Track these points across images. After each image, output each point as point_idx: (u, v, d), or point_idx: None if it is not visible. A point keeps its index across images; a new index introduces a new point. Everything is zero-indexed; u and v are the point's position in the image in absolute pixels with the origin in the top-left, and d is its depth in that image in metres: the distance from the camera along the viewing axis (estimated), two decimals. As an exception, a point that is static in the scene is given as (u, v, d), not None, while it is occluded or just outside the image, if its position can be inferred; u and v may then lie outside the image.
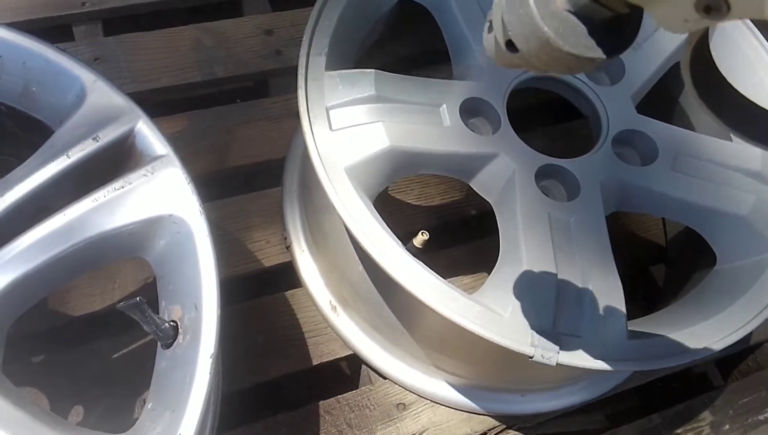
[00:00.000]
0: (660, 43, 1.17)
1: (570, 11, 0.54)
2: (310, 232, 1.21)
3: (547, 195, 1.05)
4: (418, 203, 1.38)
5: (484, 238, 1.32)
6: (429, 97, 1.06)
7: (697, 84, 0.54)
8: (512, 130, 1.08)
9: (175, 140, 1.31)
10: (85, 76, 0.92)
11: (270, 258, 1.26)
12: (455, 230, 1.38)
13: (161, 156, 0.89)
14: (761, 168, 1.08)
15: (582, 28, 0.55)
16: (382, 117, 1.01)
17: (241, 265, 1.25)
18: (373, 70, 1.04)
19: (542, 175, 1.07)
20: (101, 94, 0.92)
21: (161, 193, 0.86)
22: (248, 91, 1.48)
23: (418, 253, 0.98)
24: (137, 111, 0.91)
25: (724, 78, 0.55)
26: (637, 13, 0.54)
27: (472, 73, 1.12)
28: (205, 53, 1.46)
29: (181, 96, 1.45)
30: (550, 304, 0.93)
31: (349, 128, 0.99)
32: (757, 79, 1.18)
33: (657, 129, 1.11)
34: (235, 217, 1.29)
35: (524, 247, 0.97)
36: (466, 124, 1.09)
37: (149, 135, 0.90)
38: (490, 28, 0.62)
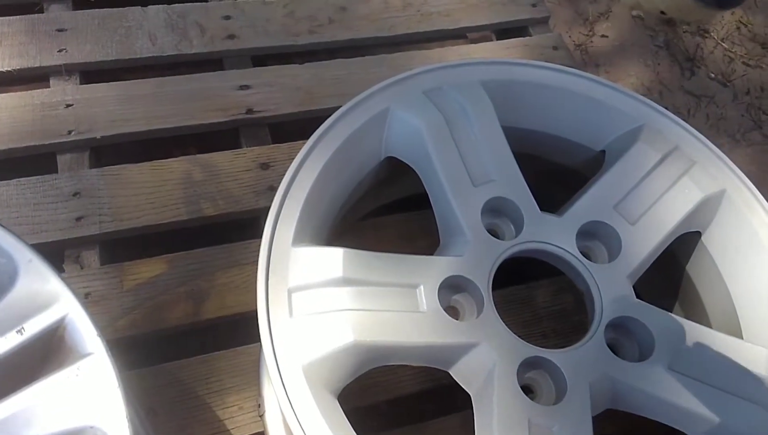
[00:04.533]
0: (659, 219, 1.08)
1: None
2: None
3: (531, 392, 0.96)
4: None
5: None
6: (404, 277, 0.98)
7: None
8: (496, 315, 0.99)
9: (151, 286, 1.29)
10: (20, 254, 0.86)
11: (241, 428, 1.17)
12: (449, 396, 1.28)
13: (89, 354, 0.81)
14: (766, 372, 0.97)
15: None
16: (350, 303, 0.93)
17: (208, 438, 1.16)
18: (341, 249, 0.97)
19: (527, 366, 0.97)
20: (35, 276, 0.85)
21: (85, 399, 0.78)
22: (238, 230, 1.42)
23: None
24: (71, 297, 0.84)
25: None
26: None
27: (456, 245, 1.04)
28: (193, 189, 1.41)
29: (163, 235, 1.38)
30: None
31: (311, 316, 0.91)
32: (764, 254, 1.08)
33: (654, 318, 1.01)
34: (206, 378, 1.20)
35: (497, 462, 0.87)
36: (449, 303, 1.01)
37: (80, 327, 0.83)
38: None
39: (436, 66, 1.17)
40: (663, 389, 0.96)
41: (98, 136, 1.45)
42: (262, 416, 1.16)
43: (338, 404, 0.91)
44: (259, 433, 1.16)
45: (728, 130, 2.51)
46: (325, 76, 1.63)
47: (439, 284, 0.98)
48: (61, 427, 0.76)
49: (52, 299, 0.83)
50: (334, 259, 0.95)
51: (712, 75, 2.63)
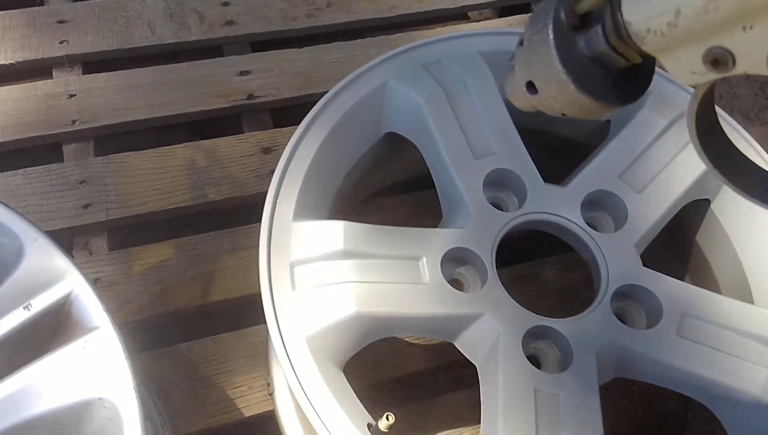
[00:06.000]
0: (666, 186, 1.07)
1: (588, 57, 0.58)
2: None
3: (537, 362, 0.95)
4: (415, 341, 1.28)
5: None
6: (406, 250, 0.98)
7: (701, 137, 0.56)
8: (500, 285, 0.98)
9: (158, 271, 1.29)
10: (25, 234, 0.86)
11: (251, 406, 1.17)
12: (456, 372, 1.28)
13: (96, 328, 0.81)
14: (779, 336, 0.96)
15: (599, 74, 0.59)
16: (351, 275, 0.92)
17: (219, 415, 1.16)
18: (342, 222, 0.96)
19: (532, 336, 0.96)
20: (40, 254, 0.85)
21: (92, 372, 0.79)
22: (242, 214, 1.42)
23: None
24: (76, 274, 0.84)
25: (725, 134, 0.58)
26: (650, 64, 0.57)
27: (459, 219, 1.04)
28: (198, 174, 1.41)
29: (169, 221, 1.38)
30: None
31: (314, 289, 0.91)
32: None
33: (662, 285, 1.00)
34: (215, 359, 1.21)
35: (503, 430, 0.86)
36: (452, 275, 1.01)
37: (86, 303, 0.83)
38: (512, 70, 0.66)
39: (434, 39, 1.17)
40: (671, 355, 0.95)
41: (102, 125, 1.45)
42: (271, 394, 1.16)
43: (343, 376, 0.91)
44: (269, 411, 1.17)
45: (742, 109, 2.48)
46: (325, 59, 1.63)
47: (441, 256, 0.98)
48: (70, 399, 0.76)
49: (58, 276, 0.83)
50: (334, 232, 0.95)
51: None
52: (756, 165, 0.58)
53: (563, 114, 0.63)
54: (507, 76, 0.67)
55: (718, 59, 0.47)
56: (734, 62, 0.46)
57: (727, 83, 2.51)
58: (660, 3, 0.49)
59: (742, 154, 0.58)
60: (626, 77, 0.60)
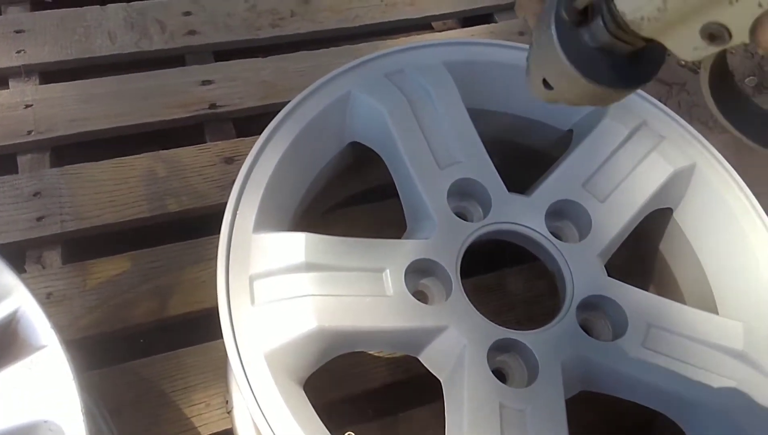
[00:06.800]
0: (629, 195, 1.06)
1: (594, 48, 0.60)
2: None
3: (504, 375, 0.93)
4: (379, 355, 1.25)
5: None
6: (370, 262, 0.95)
7: (718, 101, 0.57)
8: (465, 297, 0.97)
9: (114, 285, 1.25)
10: (-29, 250, 0.82)
11: (208, 425, 1.14)
12: (422, 388, 1.25)
13: (43, 347, 0.78)
14: (743, 347, 0.95)
15: (607, 62, 0.60)
16: (313, 289, 0.90)
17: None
18: (303, 233, 0.94)
19: (498, 349, 0.95)
20: (-14, 270, 0.82)
21: (38, 393, 0.75)
22: (203, 226, 1.39)
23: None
24: (23, 291, 0.81)
25: (743, 92, 0.58)
26: (656, 47, 0.56)
27: (423, 229, 1.02)
28: (156, 185, 1.38)
29: (126, 233, 1.35)
30: None
31: (274, 303, 0.89)
32: (738, 228, 1.07)
33: (627, 295, 0.99)
34: (172, 376, 1.17)
35: (467, 448, 0.84)
36: (416, 287, 0.99)
37: (33, 321, 0.80)
38: (528, 69, 0.69)
39: (397, 48, 1.15)
40: (637, 368, 0.93)
41: (58, 135, 1.42)
42: (230, 412, 1.12)
43: (303, 393, 0.89)
44: (227, 429, 1.13)
45: (701, 117, 2.50)
46: (289, 69, 1.60)
47: (405, 268, 0.96)
48: (14, 422, 0.73)
49: (5, 293, 0.80)
50: (296, 244, 0.93)
51: (683, 62, 2.62)
52: None
53: (582, 104, 0.65)
54: (525, 75, 0.70)
55: (714, 34, 0.49)
56: (730, 34, 0.48)
57: (686, 92, 2.53)
58: None
59: (765, 111, 0.59)
60: (635, 60, 0.61)
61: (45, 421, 0.74)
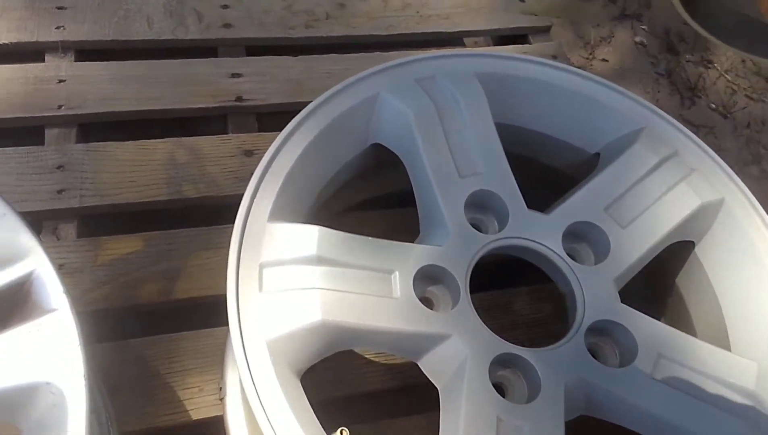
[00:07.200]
0: (652, 224, 1.05)
1: None
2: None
3: (502, 390, 0.92)
4: (376, 359, 1.24)
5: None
6: (380, 262, 0.95)
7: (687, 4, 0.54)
8: (472, 308, 0.95)
9: (125, 262, 1.25)
10: (-9, 208, 0.83)
11: (200, 409, 1.14)
12: (416, 395, 1.24)
13: (53, 310, 0.78)
14: (755, 387, 0.93)
15: None
16: (321, 282, 0.89)
17: (166, 416, 1.12)
18: (317, 226, 0.93)
19: (499, 364, 0.93)
20: (7, 230, 0.82)
21: (43, 355, 0.75)
22: (217, 214, 1.39)
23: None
24: (41, 254, 0.81)
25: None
26: None
27: (436, 236, 1.01)
28: (176, 170, 1.39)
29: (142, 214, 1.35)
30: None
31: (281, 292, 0.88)
32: (761, 268, 1.05)
33: (639, 323, 0.97)
34: (170, 357, 1.17)
35: (460, 458, 0.83)
36: (423, 293, 0.98)
37: (47, 284, 0.80)
38: None
39: (430, 55, 1.15)
40: (644, 398, 0.91)
41: (87, 112, 1.43)
42: (222, 399, 1.12)
43: (299, 384, 0.88)
44: (218, 416, 1.13)
45: (726, 162, 2.49)
46: (318, 69, 1.61)
47: (414, 272, 0.95)
48: (15, 381, 0.73)
49: (22, 254, 0.80)
50: (309, 236, 0.92)
51: (713, 106, 2.60)
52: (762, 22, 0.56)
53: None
54: None
55: None
56: None
57: (713, 135, 2.51)
58: None
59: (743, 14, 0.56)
60: None
61: (47, 383, 0.74)
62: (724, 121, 2.58)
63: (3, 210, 0.84)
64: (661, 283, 1.18)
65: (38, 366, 0.75)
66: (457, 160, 1.06)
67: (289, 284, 0.89)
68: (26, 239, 0.83)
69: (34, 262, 0.81)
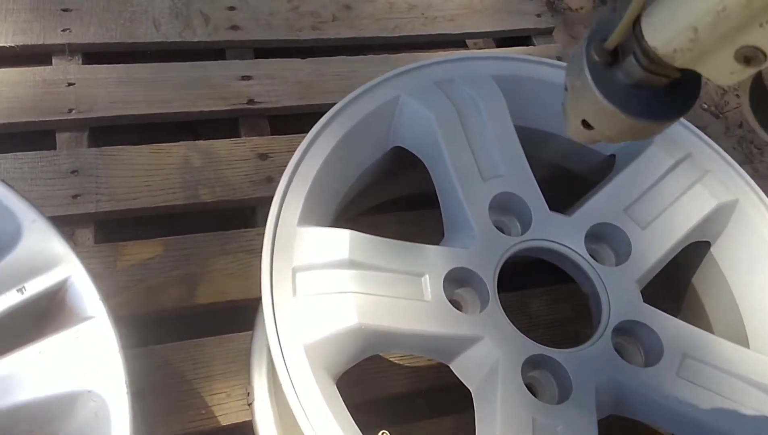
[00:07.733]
0: (671, 224, 1.06)
1: (630, 85, 0.60)
2: (276, 391, 1.09)
3: (534, 391, 0.93)
4: (401, 362, 1.25)
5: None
6: (410, 265, 0.96)
7: (762, 121, 0.58)
8: (501, 310, 0.97)
9: (144, 268, 1.25)
10: (24, 215, 0.83)
11: (228, 415, 1.13)
12: (442, 398, 1.25)
13: (90, 317, 0.78)
14: (778, 384, 0.95)
15: (645, 97, 0.60)
16: (354, 286, 0.90)
17: (195, 422, 1.12)
18: (348, 231, 0.94)
19: (530, 365, 0.95)
20: (38, 236, 0.83)
21: (83, 364, 0.75)
22: (234, 218, 1.39)
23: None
24: (75, 260, 0.81)
25: None
26: (692, 75, 0.56)
27: (462, 239, 1.02)
28: (191, 174, 1.38)
29: (159, 218, 1.35)
30: None
31: (315, 296, 0.89)
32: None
33: (663, 323, 0.99)
34: (196, 363, 1.17)
35: (499, 458, 0.84)
36: (452, 295, 0.99)
37: (82, 291, 0.80)
38: (564, 112, 0.69)
39: (449, 57, 1.16)
40: (672, 396, 0.93)
41: (98, 116, 1.42)
42: (250, 405, 1.12)
43: (336, 388, 0.89)
44: (246, 421, 1.13)
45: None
46: (327, 71, 1.61)
47: (444, 274, 0.96)
48: (57, 390, 0.73)
49: (56, 261, 0.81)
50: (340, 240, 0.93)
51: (705, 106, 2.62)
52: None
53: (624, 140, 0.66)
54: (563, 117, 0.70)
55: (749, 56, 0.49)
56: (765, 56, 0.48)
57: (706, 135, 2.54)
58: (675, 26, 0.52)
59: None
60: (672, 91, 0.61)
61: (89, 392, 0.74)
62: (716, 121, 2.61)
63: (33, 216, 0.84)
64: (676, 282, 1.20)
65: (79, 374, 0.75)
66: (479, 162, 1.07)
67: (323, 288, 0.89)
68: (59, 245, 0.83)
69: (69, 268, 0.81)
